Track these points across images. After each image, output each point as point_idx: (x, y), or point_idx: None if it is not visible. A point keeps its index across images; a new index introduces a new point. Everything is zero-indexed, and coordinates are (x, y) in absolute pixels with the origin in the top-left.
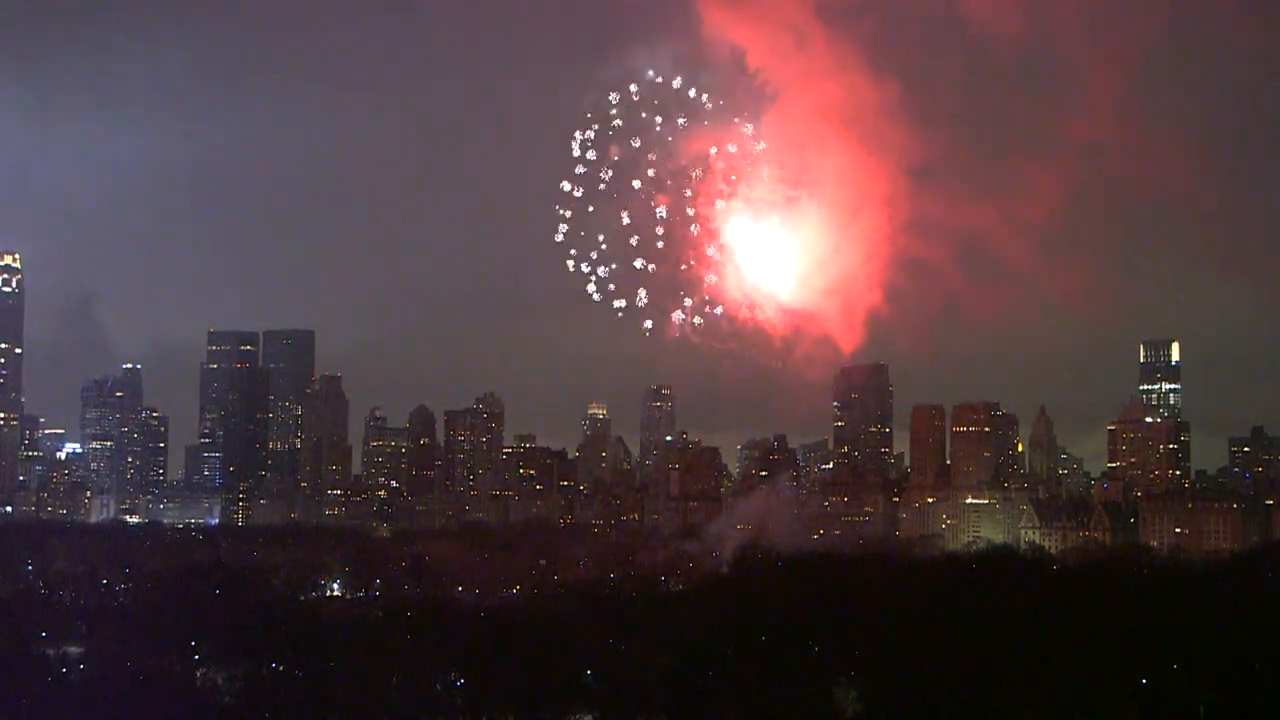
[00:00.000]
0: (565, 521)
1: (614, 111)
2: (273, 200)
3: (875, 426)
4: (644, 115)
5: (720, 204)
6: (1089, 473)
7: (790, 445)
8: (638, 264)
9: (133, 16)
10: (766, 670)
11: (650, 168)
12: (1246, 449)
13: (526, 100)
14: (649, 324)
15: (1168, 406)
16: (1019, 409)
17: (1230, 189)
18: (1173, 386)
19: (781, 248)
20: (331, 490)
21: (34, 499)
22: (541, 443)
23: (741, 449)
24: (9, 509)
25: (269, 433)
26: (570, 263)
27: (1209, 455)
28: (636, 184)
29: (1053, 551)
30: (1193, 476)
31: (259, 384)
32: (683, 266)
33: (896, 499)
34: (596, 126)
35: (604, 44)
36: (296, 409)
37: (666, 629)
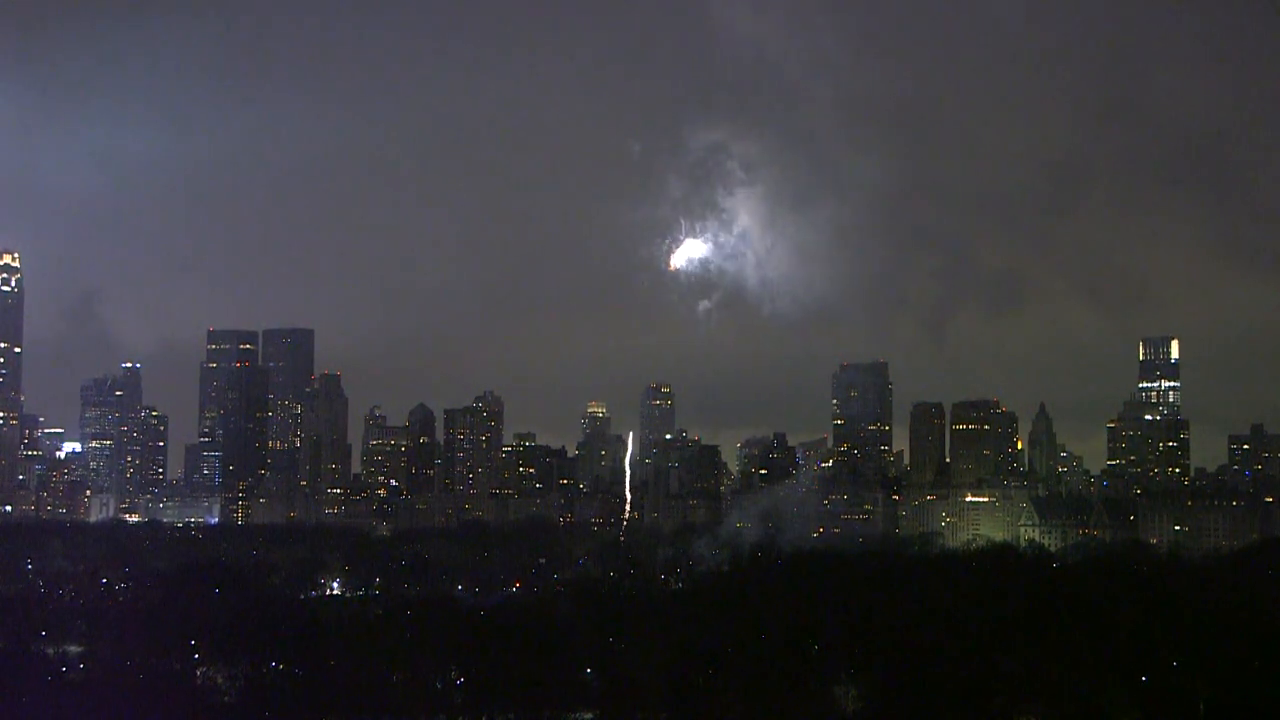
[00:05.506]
0: (565, 520)
1: None
2: (273, 200)
3: (875, 424)
4: None
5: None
6: (1089, 470)
7: (790, 443)
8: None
9: (133, 16)
10: (766, 670)
11: None
12: (1246, 446)
13: (527, 100)
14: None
15: (1167, 404)
16: (1019, 406)
17: (1231, 185)
18: (1172, 384)
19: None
20: (331, 489)
21: (34, 498)
22: (541, 441)
23: (741, 447)
24: (9, 508)
25: (268, 432)
26: None
27: (1209, 453)
28: None
29: (1052, 549)
30: (1192, 474)
31: (258, 383)
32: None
33: (896, 497)
34: None
35: (605, 45)
36: (296, 408)
37: (666, 628)
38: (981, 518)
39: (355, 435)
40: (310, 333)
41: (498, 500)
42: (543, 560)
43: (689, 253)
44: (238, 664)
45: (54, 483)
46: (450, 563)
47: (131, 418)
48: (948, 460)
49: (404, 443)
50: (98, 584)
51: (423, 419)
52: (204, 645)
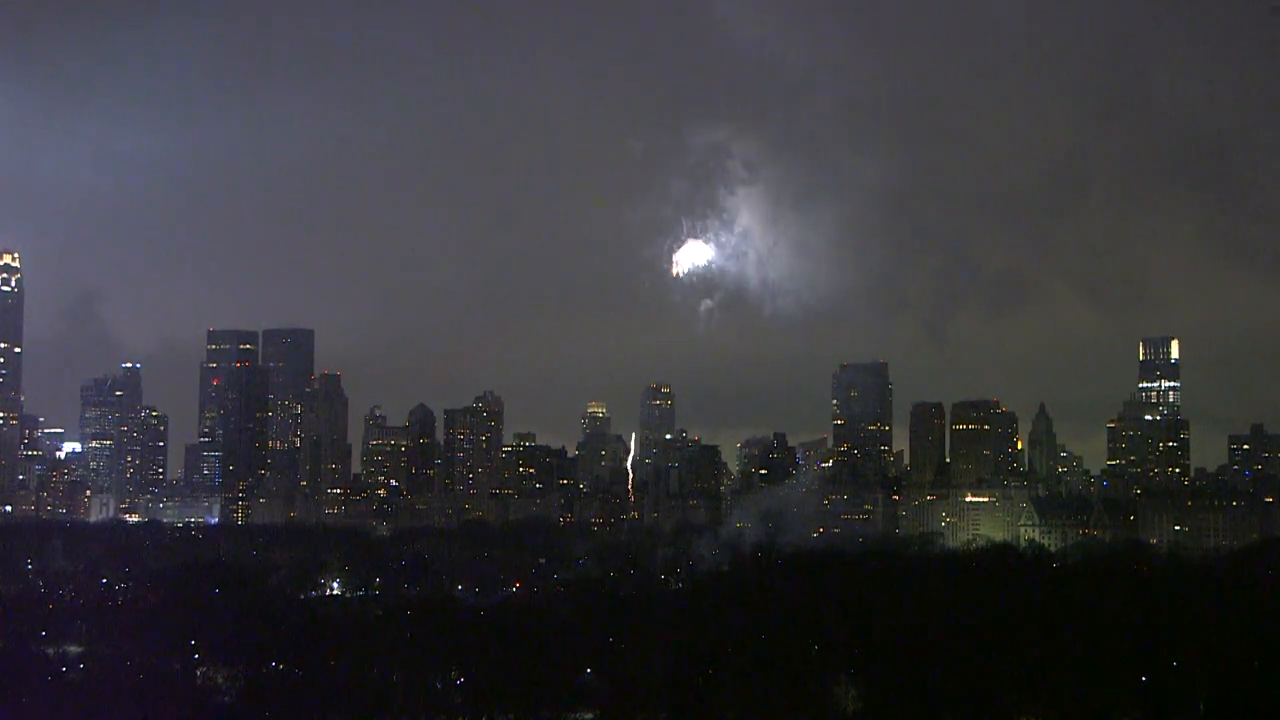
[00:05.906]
0: (565, 520)
1: None
2: (273, 200)
3: (875, 424)
4: None
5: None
6: (1089, 470)
7: (790, 443)
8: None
9: (133, 16)
10: (766, 670)
11: None
12: (1246, 446)
13: (527, 101)
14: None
15: (1167, 404)
16: (1018, 406)
17: (1231, 185)
18: (1172, 384)
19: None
20: (331, 489)
21: (34, 498)
22: (541, 441)
23: (741, 447)
24: (9, 508)
25: (268, 432)
26: None
27: (1208, 453)
28: None
29: (1052, 549)
30: (1192, 474)
31: (258, 383)
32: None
33: (896, 497)
34: None
35: (605, 45)
36: (296, 408)
37: (666, 628)
38: (981, 518)
39: (355, 435)
40: (310, 333)
41: (498, 500)
42: (543, 560)
43: (691, 253)
44: (238, 664)
45: (54, 483)
46: (450, 563)
47: (131, 418)
48: (948, 460)
49: (404, 443)
50: (98, 584)
51: (423, 419)
52: (204, 645)
